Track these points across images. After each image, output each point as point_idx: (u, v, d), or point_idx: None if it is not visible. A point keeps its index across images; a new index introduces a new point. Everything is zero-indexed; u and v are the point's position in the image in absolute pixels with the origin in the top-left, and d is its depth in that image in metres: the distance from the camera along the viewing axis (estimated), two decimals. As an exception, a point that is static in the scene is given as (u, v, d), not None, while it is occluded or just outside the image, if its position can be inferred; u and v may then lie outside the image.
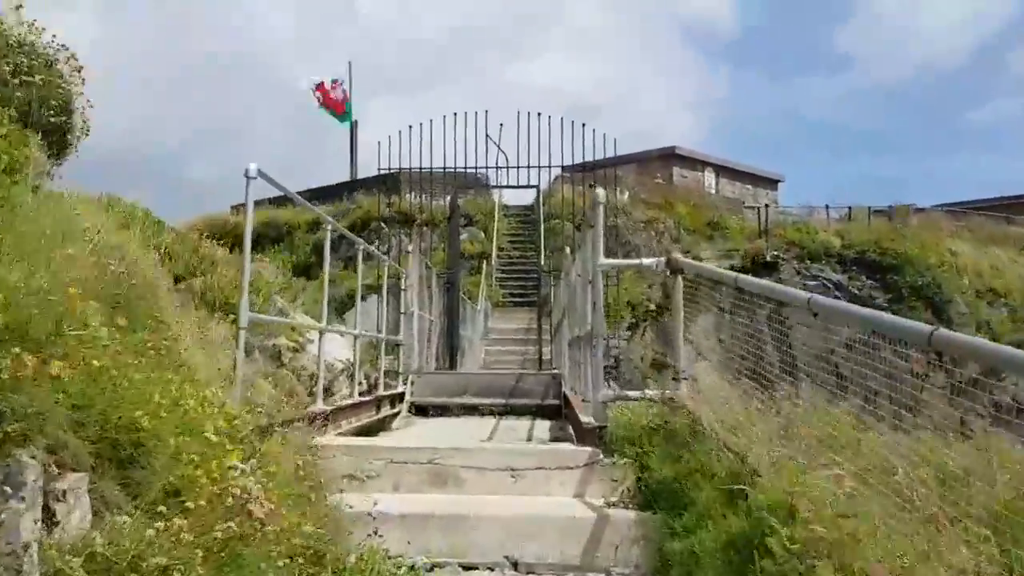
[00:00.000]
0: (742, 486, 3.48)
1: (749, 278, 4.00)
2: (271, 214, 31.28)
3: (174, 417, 3.46)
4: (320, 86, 34.02)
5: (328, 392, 9.87)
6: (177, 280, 9.42)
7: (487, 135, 13.47)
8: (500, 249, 26.98)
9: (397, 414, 9.79)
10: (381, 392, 9.09)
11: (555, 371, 10.83)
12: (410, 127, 14.02)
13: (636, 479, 4.55)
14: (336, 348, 10.10)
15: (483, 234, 27.54)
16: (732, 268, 25.21)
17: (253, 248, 22.17)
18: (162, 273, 7.69)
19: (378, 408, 8.77)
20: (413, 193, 26.44)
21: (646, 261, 5.07)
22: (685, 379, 4.91)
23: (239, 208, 34.93)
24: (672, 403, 4.79)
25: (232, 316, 9.52)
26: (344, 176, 34.93)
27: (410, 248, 10.64)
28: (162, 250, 9.13)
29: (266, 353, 9.17)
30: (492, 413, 10.35)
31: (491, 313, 24.41)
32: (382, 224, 25.66)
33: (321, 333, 6.48)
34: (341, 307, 23.05)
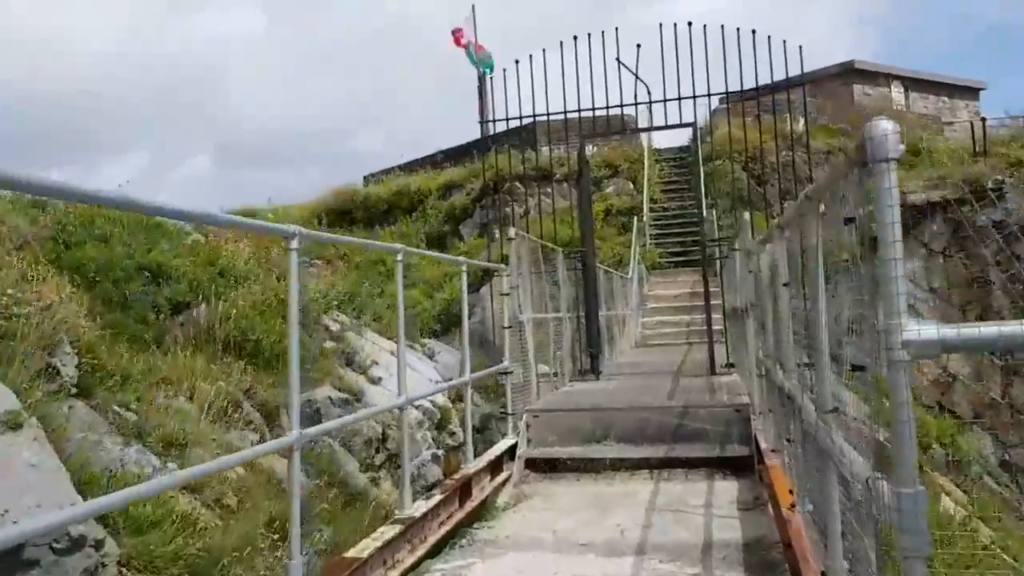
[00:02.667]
0: None
1: None
2: (401, 182, 28.83)
3: None
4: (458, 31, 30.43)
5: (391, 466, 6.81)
6: (176, 310, 6.59)
7: (617, 59, 9.87)
8: (653, 201, 23.19)
9: (507, 482, 6.63)
10: (471, 466, 5.92)
11: (740, 402, 7.31)
12: (518, 60, 10.53)
13: None
14: (409, 384, 6.97)
15: (632, 185, 23.82)
16: (945, 200, 20.38)
17: (383, 222, 19.02)
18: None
19: (463, 495, 5.62)
20: (552, 145, 23.27)
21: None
22: None
23: (370, 179, 32.77)
24: None
25: (248, 357, 6.62)
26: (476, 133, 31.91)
27: (512, 233, 7.28)
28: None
29: (301, 415, 6.15)
30: (648, 466, 7.02)
31: (646, 278, 20.85)
32: (517, 184, 22.39)
33: (292, 451, 3.33)
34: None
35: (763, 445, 6.19)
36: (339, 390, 6.74)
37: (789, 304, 4.08)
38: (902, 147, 1.80)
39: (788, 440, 4.36)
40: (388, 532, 4.26)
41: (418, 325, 14.28)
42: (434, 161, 30.77)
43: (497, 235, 13.41)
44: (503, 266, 7.12)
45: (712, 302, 11.83)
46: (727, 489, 6.41)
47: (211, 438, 5.12)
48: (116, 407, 4.80)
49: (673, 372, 10.75)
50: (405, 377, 4.70)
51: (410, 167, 31.48)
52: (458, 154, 29.44)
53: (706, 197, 21.40)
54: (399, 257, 4.64)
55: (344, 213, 28.49)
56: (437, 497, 5.02)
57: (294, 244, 3.35)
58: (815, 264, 3.05)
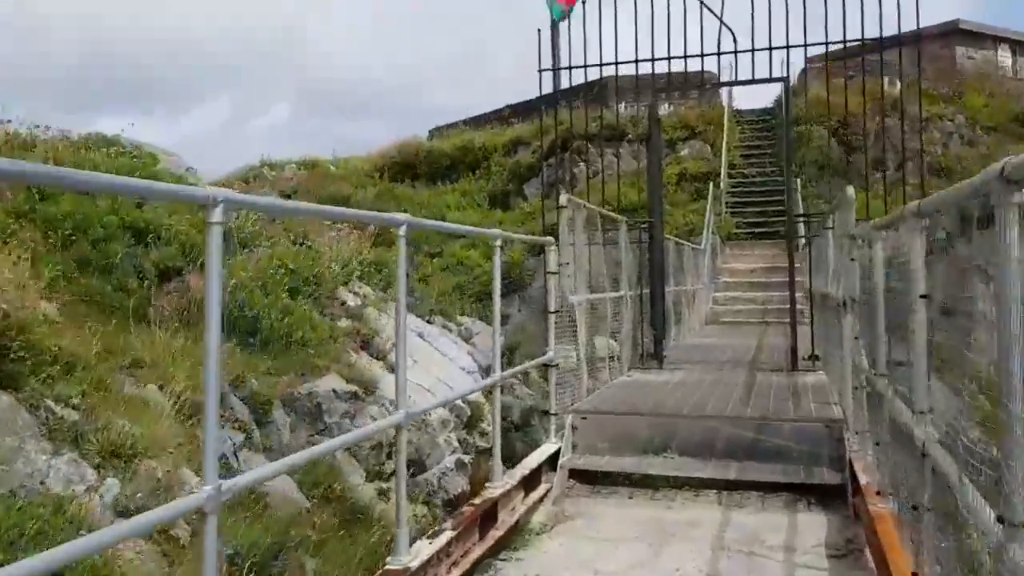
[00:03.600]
0: None
1: None
2: (466, 137, 27.76)
3: None
4: None
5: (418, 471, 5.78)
6: (165, 276, 5.64)
7: None
8: (731, 166, 21.62)
9: (544, 497, 5.61)
10: (497, 485, 4.89)
11: (831, 415, 6.11)
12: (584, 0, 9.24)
13: None
14: (435, 375, 6.02)
15: (709, 148, 22.24)
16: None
17: (446, 178, 17.97)
18: None
19: (485, 522, 4.60)
20: (623, 102, 21.81)
21: None
22: None
23: (435, 133, 31.75)
24: None
25: (243, 336, 5.58)
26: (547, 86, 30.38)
27: (563, 201, 6.15)
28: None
29: (299, 410, 5.17)
30: (715, 487, 5.87)
31: (720, 249, 19.43)
32: (587, 143, 21.06)
33: (203, 515, 2.29)
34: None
35: (863, 479, 5.00)
36: (347, 380, 5.68)
37: (929, 325, 2.89)
38: None
39: (914, 508, 3.18)
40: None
41: (471, 293, 13.24)
42: (501, 116, 29.58)
43: (558, 199, 12.17)
44: (551, 239, 6.00)
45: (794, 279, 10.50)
46: (812, 525, 5.25)
47: (175, 443, 4.19)
48: (51, 402, 3.87)
49: (748, 362, 9.53)
50: (405, 385, 3.65)
51: (476, 122, 30.38)
52: (526, 109, 28.11)
53: (791, 164, 19.79)
54: (402, 231, 3.56)
55: (407, 167, 27.55)
56: (446, 535, 3.99)
57: (216, 216, 2.28)
58: (1010, 304, 1.85)
